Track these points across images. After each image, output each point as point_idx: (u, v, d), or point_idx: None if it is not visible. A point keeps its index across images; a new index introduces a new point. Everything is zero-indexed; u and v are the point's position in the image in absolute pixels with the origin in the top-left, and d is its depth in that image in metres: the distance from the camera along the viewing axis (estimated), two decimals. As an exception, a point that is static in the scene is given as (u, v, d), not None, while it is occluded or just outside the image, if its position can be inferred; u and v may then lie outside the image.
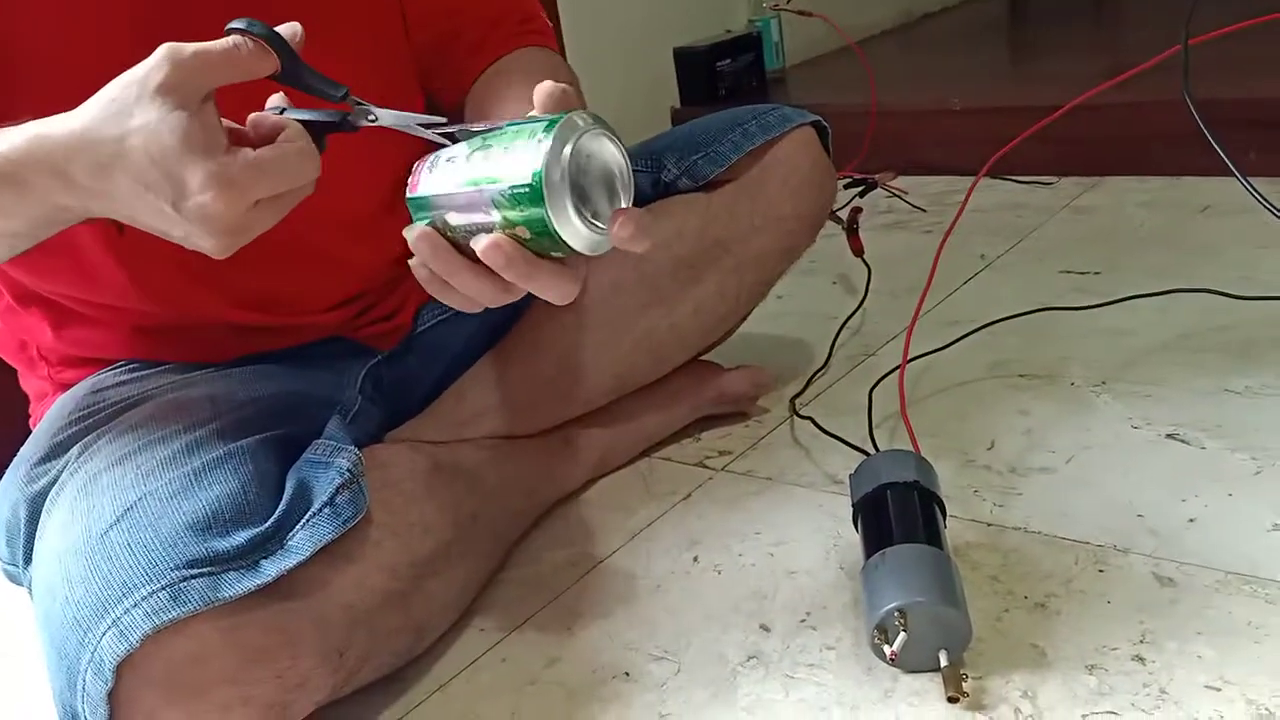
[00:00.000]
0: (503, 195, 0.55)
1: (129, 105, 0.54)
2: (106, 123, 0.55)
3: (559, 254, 0.57)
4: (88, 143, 0.55)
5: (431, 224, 0.59)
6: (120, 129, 0.54)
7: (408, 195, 0.59)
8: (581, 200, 0.55)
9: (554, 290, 0.58)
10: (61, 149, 0.56)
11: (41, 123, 0.57)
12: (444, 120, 0.60)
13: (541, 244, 0.56)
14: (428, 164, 0.59)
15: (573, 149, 0.54)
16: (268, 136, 0.57)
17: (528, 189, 0.54)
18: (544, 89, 0.58)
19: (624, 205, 0.57)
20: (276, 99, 0.60)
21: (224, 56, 0.55)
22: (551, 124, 0.54)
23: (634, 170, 0.97)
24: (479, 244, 0.56)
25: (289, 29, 0.58)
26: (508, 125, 0.57)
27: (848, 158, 1.70)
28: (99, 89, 0.57)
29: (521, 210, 0.55)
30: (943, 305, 1.22)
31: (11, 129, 0.58)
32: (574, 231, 0.55)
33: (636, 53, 1.97)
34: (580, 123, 0.55)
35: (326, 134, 0.59)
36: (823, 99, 1.95)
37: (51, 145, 0.56)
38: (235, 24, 0.57)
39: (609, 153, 0.57)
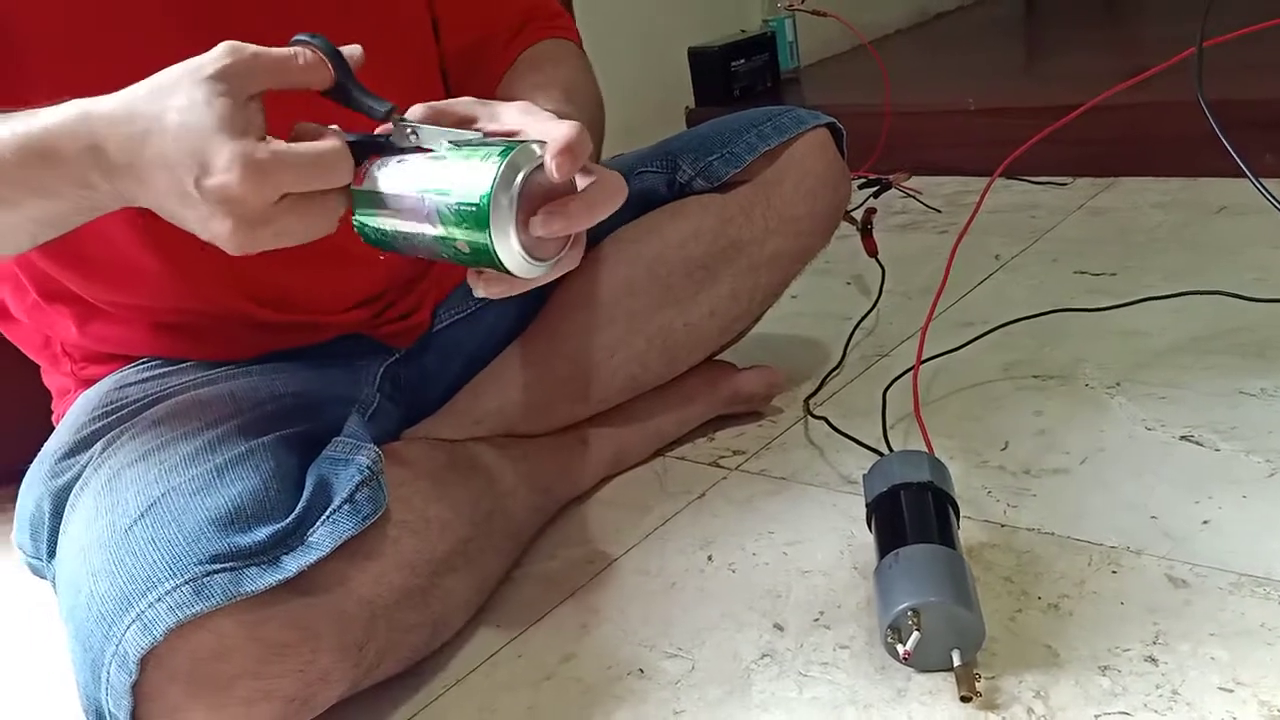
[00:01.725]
0: (449, 210, 0.56)
1: (177, 85, 0.55)
2: (150, 99, 0.56)
3: (495, 270, 0.58)
4: (127, 117, 0.56)
5: (363, 227, 0.60)
6: (161, 105, 0.55)
7: (352, 187, 0.59)
8: (525, 228, 0.56)
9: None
10: (102, 122, 0.56)
11: (90, 100, 0.57)
12: (477, 135, 0.60)
13: (479, 261, 0.58)
14: (379, 159, 0.60)
15: (524, 178, 0.56)
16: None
17: (474, 209, 0.55)
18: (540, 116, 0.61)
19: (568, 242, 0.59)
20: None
21: (282, 61, 0.57)
22: (508, 149, 0.56)
23: (649, 171, 0.98)
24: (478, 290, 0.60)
25: (351, 50, 0.59)
26: (473, 143, 0.58)
27: (862, 158, 1.70)
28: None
29: (465, 229, 0.56)
30: (957, 306, 1.22)
31: (61, 105, 0.58)
32: (512, 256, 0.57)
33: (651, 53, 1.98)
34: (536, 151, 0.57)
35: (371, 154, 0.59)
36: (837, 99, 1.95)
37: (94, 119, 0.57)
38: (300, 36, 0.58)
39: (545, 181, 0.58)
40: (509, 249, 0.56)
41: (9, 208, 0.60)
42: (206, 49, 0.57)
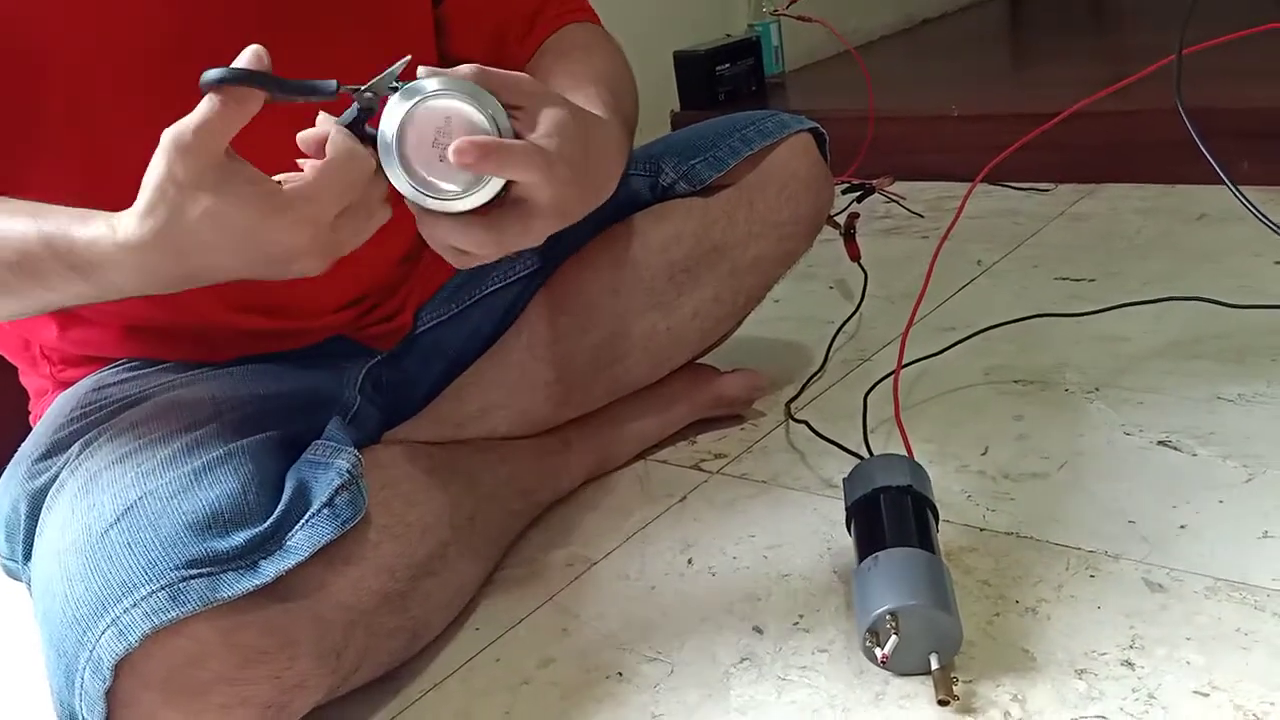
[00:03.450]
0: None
1: (179, 211, 0.57)
2: (169, 237, 0.58)
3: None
4: (160, 258, 0.59)
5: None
6: (190, 241, 0.58)
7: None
8: (416, 160, 0.59)
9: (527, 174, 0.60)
10: (127, 271, 0.60)
11: (111, 223, 0.59)
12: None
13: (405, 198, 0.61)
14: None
15: (407, 113, 0.59)
16: (317, 150, 0.60)
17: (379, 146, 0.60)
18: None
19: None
20: (323, 118, 0.61)
21: (218, 118, 0.55)
22: (403, 87, 0.60)
23: (632, 174, 0.98)
24: (449, 153, 0.58)
25: (252, 57, 0.57)
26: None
27: (846, 163, 1.70)
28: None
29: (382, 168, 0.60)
30: (938, 311, 1.22)
31: (88, 223, 0.60)
32: (404, 187, 0.60)
33: (636, 56, 1.94)
34: (428, 87, 0.59)
35: (368, 123, 0.61)
36: (822, 104, 1.96)
37: (124, 254, 0.59)
38: (208, 77, 0.55)
39: (456, 112, 0.60)
40: (399, 178, 0.60)
41: (13, 298, 0.64)
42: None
